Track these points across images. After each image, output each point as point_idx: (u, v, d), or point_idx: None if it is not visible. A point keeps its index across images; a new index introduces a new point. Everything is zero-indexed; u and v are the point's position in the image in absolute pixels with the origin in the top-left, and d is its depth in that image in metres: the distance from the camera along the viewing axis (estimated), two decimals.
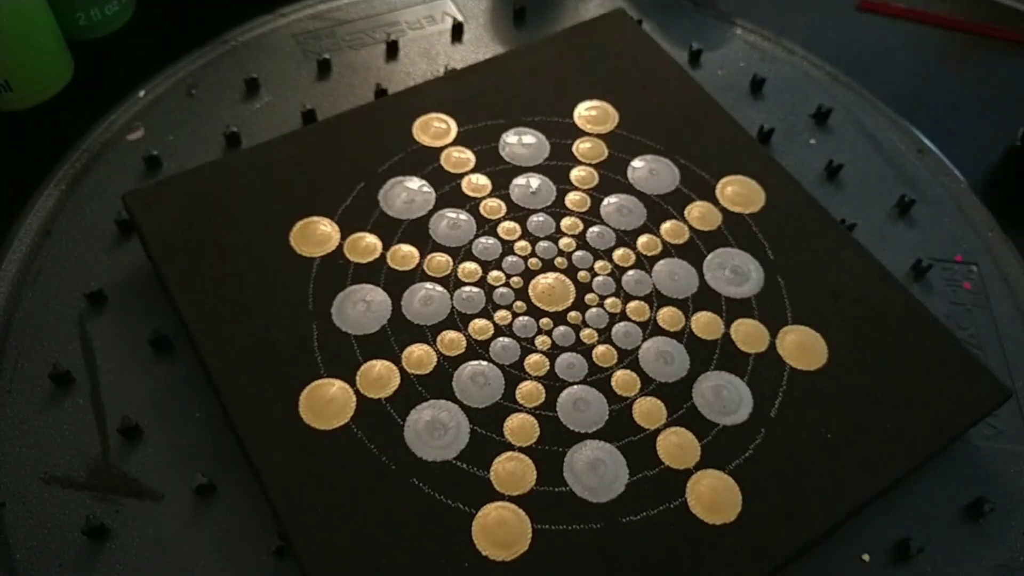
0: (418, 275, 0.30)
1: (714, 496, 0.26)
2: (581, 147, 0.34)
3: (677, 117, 0.36)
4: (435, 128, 0.34)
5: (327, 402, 0.27)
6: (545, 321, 0.29)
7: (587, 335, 0.29)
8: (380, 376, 0.28)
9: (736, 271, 0.31)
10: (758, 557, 0.25)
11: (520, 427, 0.27)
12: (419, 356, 0.28)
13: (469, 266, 0.31)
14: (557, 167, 0.34)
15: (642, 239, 0.32)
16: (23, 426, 0.28)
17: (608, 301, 0.30)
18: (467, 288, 0.30)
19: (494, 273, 0.31)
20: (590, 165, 0.34)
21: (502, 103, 0.35)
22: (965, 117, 0.43)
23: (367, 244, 0.31)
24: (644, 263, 0.31)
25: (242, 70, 0.38)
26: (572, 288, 0.30)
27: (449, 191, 0.32)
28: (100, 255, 0.32)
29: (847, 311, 0.31)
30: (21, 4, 0.34)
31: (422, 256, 0.31)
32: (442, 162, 0.33)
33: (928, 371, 0.29)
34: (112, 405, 0.29)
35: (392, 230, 0.31)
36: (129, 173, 0.34)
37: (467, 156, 0.33)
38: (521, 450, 0.27)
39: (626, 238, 0.32)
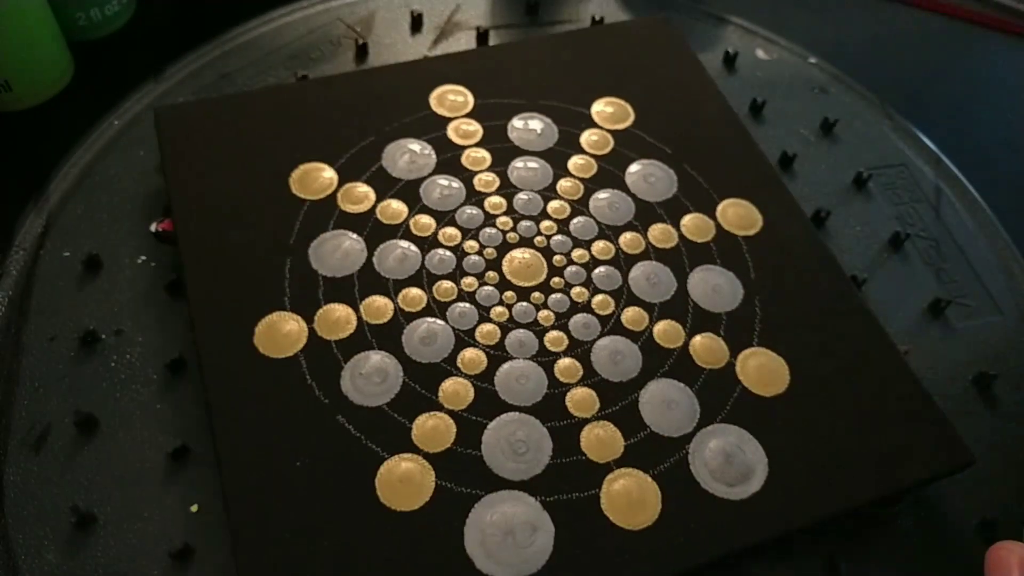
0: (400, 231, 0.31)
1: (627, 497, 0.26)
2: (589, 138, 0.34)
3: (696, 128, 0.35)
4: (451, 101, 0.35)
5: (283, 335, 0.28)
6: (509, 295, 0.30)
7: (544, 317, 0.30)
8: (338, 320, 0.29)
9: (715, 287, 0.31)
10: (659, 565, 0.25)
11: (455, 392, 0.28)
12: (379, 307, 0.29)
13: (449, 231, 0.31)
14: (559, 153, 0.34)
15: (626, 236, 0.32)
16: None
17: (575, 290, 0.30)
18: (441, 251, 0.31)
19: (470, 242, 0.31)
20: (592, 156, 0.34)
21: (523, 84, 0.36)
22: (971, 126, 0.41)
23: (359, 193, 0.32)
24: (621, 261, 0.31)
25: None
26: (545, 269, 0.31)
27: (450, 158, 0.33)
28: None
29: (818, 345, 0.30)
30: (21, 4, 0.34)
31: (408, 215, 0.32)
32: (449, 131, 0.34)
33: (891, 422, 0.28)
34: None
35: (387, 186, 0.32)
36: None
37: (475, 128, 0.34)
38: (450, 412, 0.27)
39: (609, 233, 0.32)
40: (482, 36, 0.41)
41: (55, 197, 0.34)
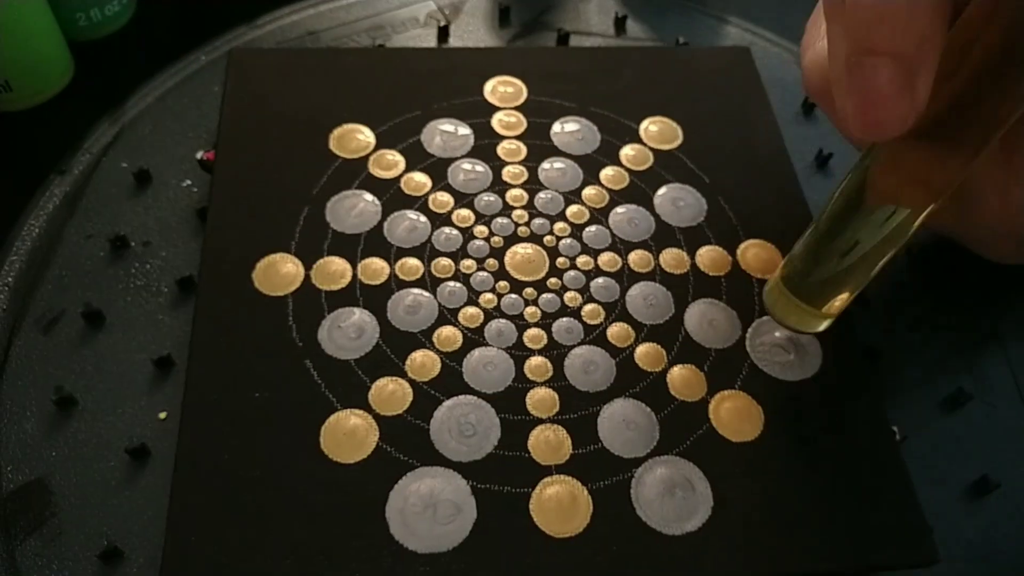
0: (417, 203, 0.32)
1: (558, 503, 0.26)
2: (628, 153, 0.34)
3: (742, 164, 0.34)
4: (502, 92, 0.35)
5: (280, 275, 0.30)
6: (503, 284, 0.30)
7: (531, 313, 0.30)
8: (334, 272, 0.30)
9: (711, 321, 0.30)
10: None
11: (422, 364, 0.28)
12: (376, 269, 0.30)
13: (463, 212, 0.32)
14: (595, 160, 0.34)
15: (636, 253, 0.31)
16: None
17: (568, 294, 0.30)
18: (449, 230, 0.31)
19: (480, 227, 0.31)
20: (627, 170, 0.34)
21: (579, 89, 0.36)
22: None
23: (390, 161, 0.33)
24: (625, 276, 0.31)
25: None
26: (546, 267, 0.31)
27: (487, 145, 0.34)
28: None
29: (805, 405, 0.28)
30: (21, 4, 0.34)
31: (430, 190, 0.32)
32: (494, 120, 0.34)
33: (858, 496, 0.27)
34: None
35: (418, 160, 0.33)
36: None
37: (519, 121, 0.34)
38: (411, 382, 0.28)
39: (621, 247, 0.32)
40: (563, 39, 0.41)
41: (131, 113, 0.37)
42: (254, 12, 0.41)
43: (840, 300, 0.27)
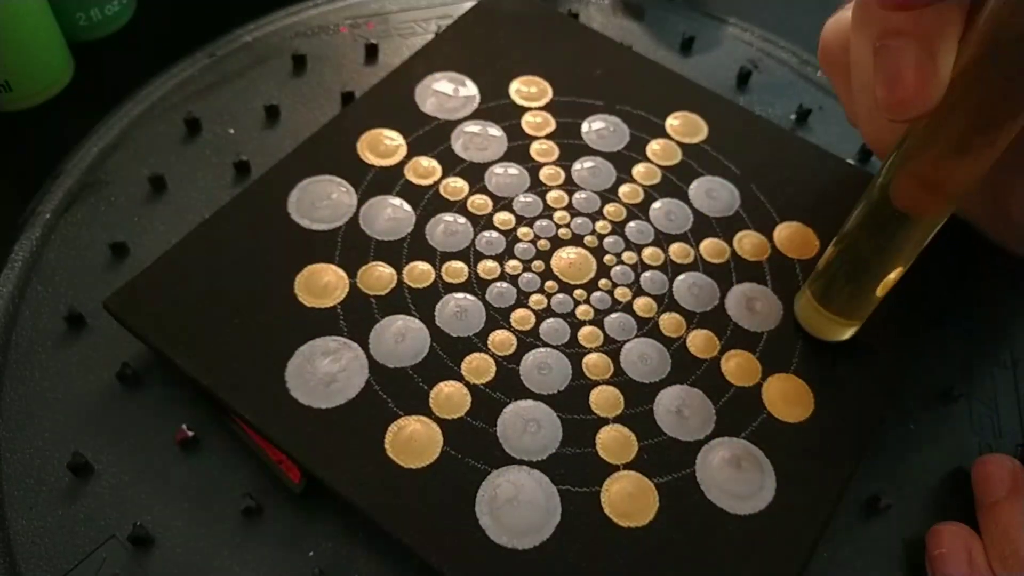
0: (455, 206, 0.32)
1: (628, 496, 0.26)
2: (657, 148, 0.35)
3: (767, 149, 0.35)
4: (527, 91, 0.36)
5: (323, 285, 0.29)
6: (551, 284, 0.30)
7: (583, 312, 0.30)
8: (380, 278, 0.30)
9: (755, 307, 0.30)
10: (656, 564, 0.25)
11: (477, 367, 0.28)
12: (420, 272, 0.30)
13: (503, 216, 0.32)
14: (626, 157, 0.34)
15: (676, 245, 0.32)
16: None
17: (619, 290, 0.30)
18: (491, 233, 0.31)
19: (524, 229, 0.32)
20: (658, 166, 0.34)
21: (602, 86, 0.36)
22: None
23: (426, 168, 0.33)
24: (669, 268, 0.31)
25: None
26: (593, 269, 0.31)
27: (519, 147, 0.34)
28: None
29: (849, 377, 0.29)
30: (21, 4, 0.34)
31: (468, 193, 0.32)
32: (523, 121, 0.35)
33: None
34: None
35: (452, 164, 0.33)
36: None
37: (548, 121, 0.35)
38: (468, 384, 0.28)
39: (662, 239, 0.32)
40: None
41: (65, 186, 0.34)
42: (253, 13, 0.40)
43: (866, 310, 0.28)
